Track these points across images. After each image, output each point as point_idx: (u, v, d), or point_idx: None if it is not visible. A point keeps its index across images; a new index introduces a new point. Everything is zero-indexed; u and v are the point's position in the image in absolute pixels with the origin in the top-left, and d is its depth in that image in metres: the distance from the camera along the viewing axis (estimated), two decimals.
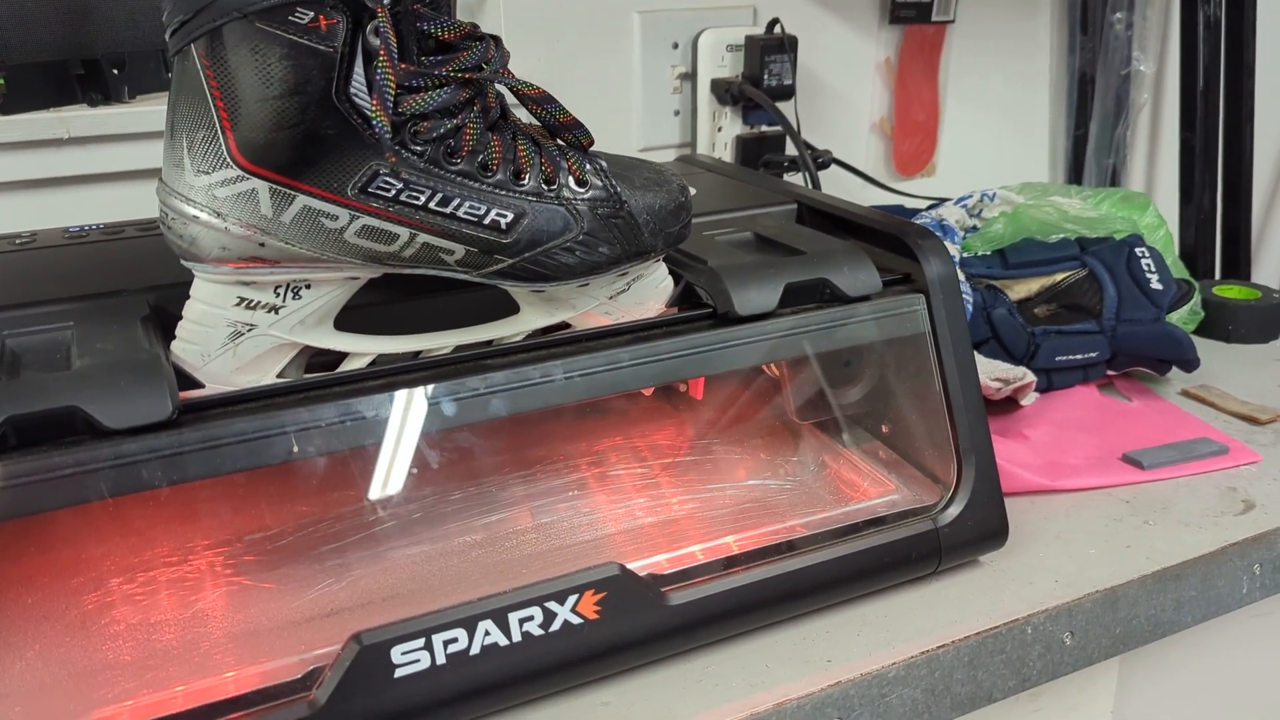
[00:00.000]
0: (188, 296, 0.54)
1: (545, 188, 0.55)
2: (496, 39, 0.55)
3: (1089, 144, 1.27)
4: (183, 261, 0.53)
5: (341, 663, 0.50)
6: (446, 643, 0.51)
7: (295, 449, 0.51)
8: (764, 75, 1.02)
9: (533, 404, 0.56)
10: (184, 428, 0.49)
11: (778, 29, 1.03)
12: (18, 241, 0.69)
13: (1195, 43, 1.16)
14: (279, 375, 0.56)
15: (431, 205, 0.52)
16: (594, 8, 1.01)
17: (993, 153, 1.28)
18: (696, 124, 1.07)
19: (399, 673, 0.50)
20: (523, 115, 0.58)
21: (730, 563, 0.60)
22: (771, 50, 1.01)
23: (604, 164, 0.57)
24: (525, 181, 0.55)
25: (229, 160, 0.49)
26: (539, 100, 0.56)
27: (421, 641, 0.51)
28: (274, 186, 0.50)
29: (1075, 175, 1.29)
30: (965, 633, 0.61)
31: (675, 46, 1.05)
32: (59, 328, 0.54)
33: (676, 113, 1.08)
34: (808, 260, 0.64)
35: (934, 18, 1.17)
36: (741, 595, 0.58)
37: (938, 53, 1.20)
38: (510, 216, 0.54)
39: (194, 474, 0.49)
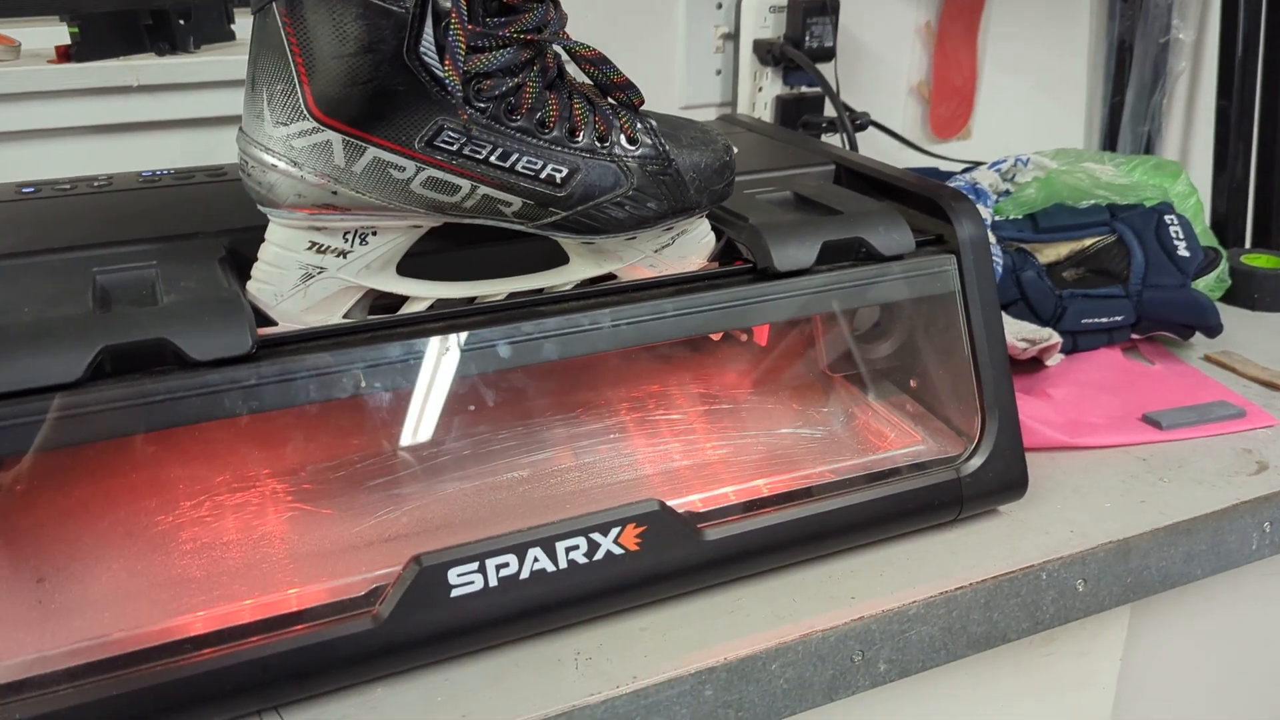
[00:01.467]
0: (260, 240, 0.58)
1: (598, 144, 0.58)
2: (555, 2, 0.58)
3: (1125, 111, 1.28)
4: (259, 207, 0.57)
5: (403, 581, 0.54)
6: (499, 567, 0.55)
7: (362, 384, 0.55)
8: (805, 37, 1.04)
9: (581, 349, 0.60)
10: (262, 361, 0.53)
11: None
12: (96, 184, 0.73)
13: (1236, 10, 1.17)
14: (345, 316, 0.60)
15: (492, 159, 0.56)
16: None
17: (1029, 118, 1.30)
18: (738, 84, 1.10)
19: (455, 593, 0.55)
20: (576, 74, 0.61)
21: (762, 503, 0.63)
22: (814, 12, 1.03)
23: (654, 123, 0.60)
24: (579, 138, 0.58)
25: (306, 113, 0.53)
26: (594, 61, 0.59)
27: (476, 565, 0.55)
28: (347, 138, 0.54)
29: (1110, 142, 1.30)
30: (982, 576, 0.64)
31: (719, 6, 1.07)
32: (144, 266, 0.58)
33: (718, 72, 1.10)
34: (844, 219, 0.67)
35: None
36: (772, 534, 0.62)
37: (978, 17, 1.21)
38: (565, 171, 0.57)
39: (270, 404, 0.53)
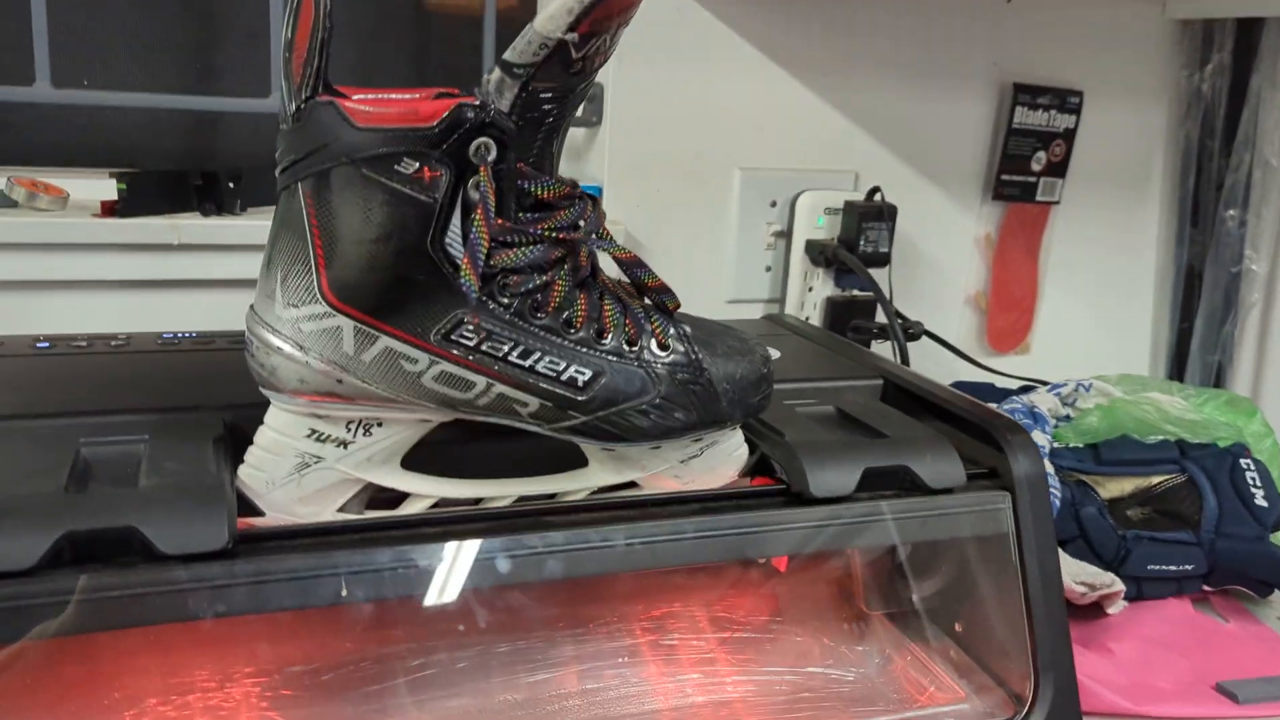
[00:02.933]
0: (262, 419, 0.54)
1: (626, 348, 0.54)
2: (595, 199, 0.55)
3: (1194, 339, 1.23)
4: (260, 389, 0.53)
5: None
6: None
7: (345, 592, 0.49)
8: (860, 241, 1.01)
9: (590, 568, 0.55)
10: (237, 559, 0.48)
11: (878, 197, 1.03)
12: (113, 343, 0.70)
13: None
14: (340, 509, 0.55)
15: (512, 357, 0.52)
16: (697, 160, 1.03)
17: (1091, 337, 1.25)
18: (788, 282, 1.07)
19: None
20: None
21: None
22: (870, 217, 1.01)
23: (688, 329, 0.56)
24: (607, 340, 0.54)
25: (319, 296, 0.50)
26: (630, 264, 0.55)
27: None
28: (359, 325, 0.50)
29: (1177, 370, 1.25)
30: None
31: (773, 205, 1.06)
32: (134, 440, 0.55)
33: (768, 269, 1.08)
34: (890, 444, 0.62)
35: (1038, 198, 1.16)
36: None
37: (1040, 232, 1.19)
38: (588, 374, 0.53)
39: (241, 608, 0.48)
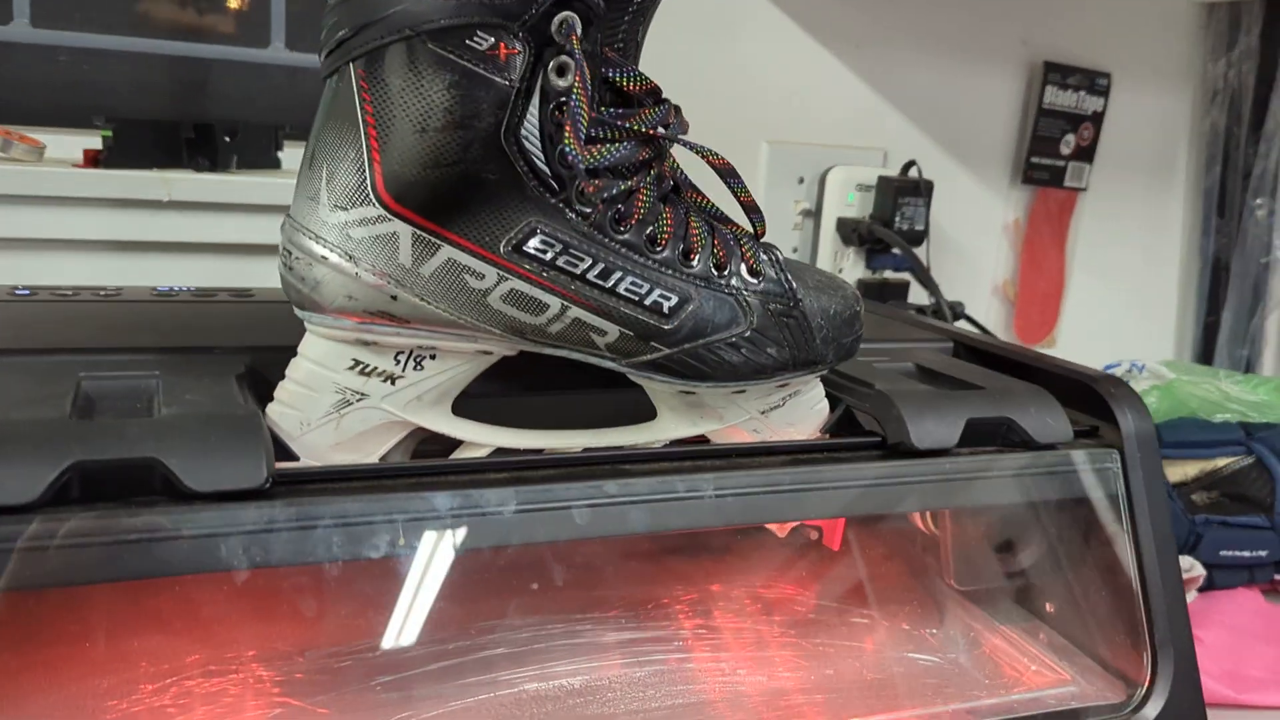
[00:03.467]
0: (289, 360, 0.47)
1: (715, 273, 0.48)
2: (678, 107, 0.49)
3: (1221, 332, 1.19)
4: (297, 311, 0.46)
5: None
6: None
7: (401, 542, 0.42)
8: (895, 217, 0.96)
9: (676, 521, 0.47)
10: (277, 500, 0.40)
11: (913, 171, 0.98)
12: (102, 293, 0.62)
13: None
14: (382, 459, 0.48)
15: (590, 276, 0.45)
16: (723, 131, 0.97)
17: (1117, 331, 1.21)
18: (816, 263, 1.01)
19: None
20: None
21: None
22: (906, 192, 0.96)
23: (780, 254, 0.50)
24: (694, 263, 0.47)
25: (372, 196, 0.43)
26: (726, 173, 0.49)
27: None
28: (418, 232, 0.43)
29: (1204, 363, 1.21)
30: None
31: (801, 181, 1.00)
32: (143, 375, 0.47)
33: (795, 250, 1.02)
34: (989, 396, 0.56)
35: (1066, 183, 1.12)
36: None
37: (1067, 220, 1.14)
38: (674, 300, 0.47)
39: (281, 557, 0.40)
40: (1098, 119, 1.12)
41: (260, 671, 0.52)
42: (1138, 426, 0.57)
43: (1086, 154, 1.12)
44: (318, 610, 0.54)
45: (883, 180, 0.98)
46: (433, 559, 0.45)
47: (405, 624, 0.53)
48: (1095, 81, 1.10)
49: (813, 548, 0.66)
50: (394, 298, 0.44)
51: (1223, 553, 0.78)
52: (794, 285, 0.49)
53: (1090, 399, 0.59)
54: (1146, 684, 0.54)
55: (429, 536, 0.43)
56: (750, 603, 0.63)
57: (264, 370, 0.49)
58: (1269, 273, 1.17)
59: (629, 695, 0.53)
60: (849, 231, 0.98)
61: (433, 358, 0.47)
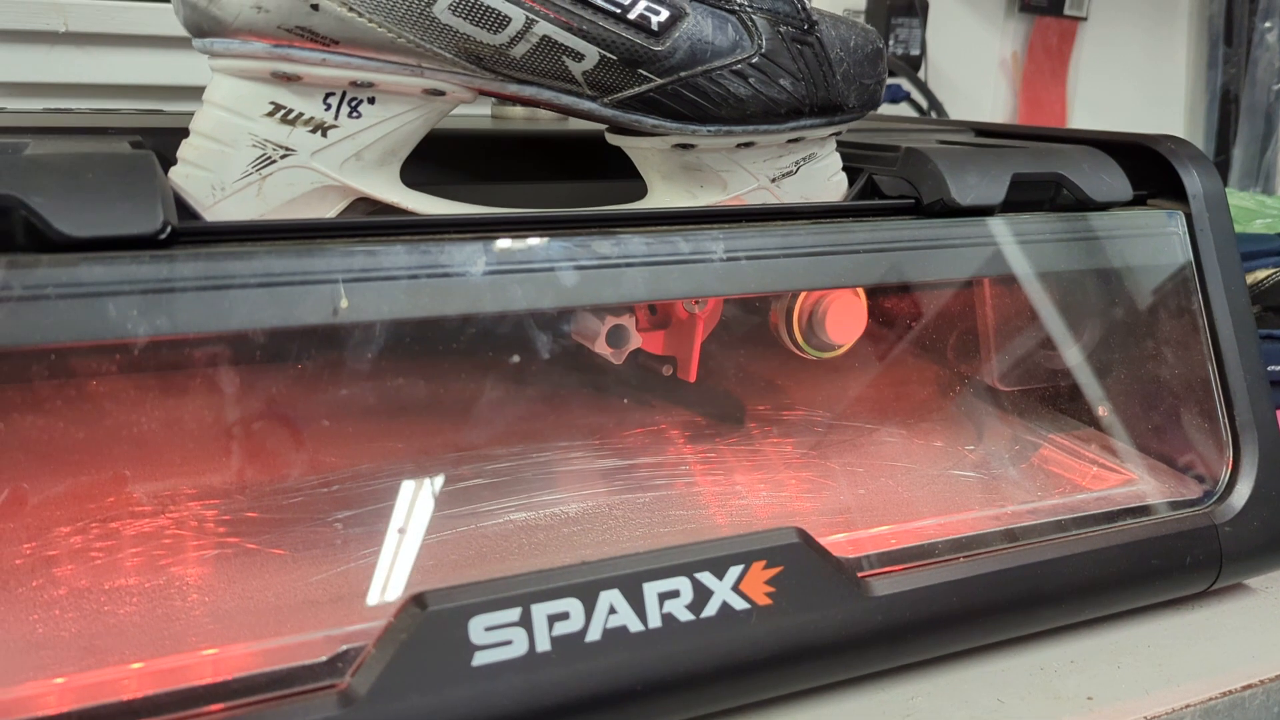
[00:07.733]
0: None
1: None
2: None
3: (1232, 169, 1.11)
4: (196, 43, 0.37)
5: (393, 636, 0.31)
6: (553, 619, 0.33)
7: (342, 304, 0.33)
8: (889, 40, 0.87)
9: (678, 287, 0.39)
10: (176, 250, 0.32)
11: None
12: None
13: None
14: None
15: None
16: None
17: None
18: None
19: (479, 658, 0.32)
20: None
21: (948, 547, 0.41)
22: (900, 11, 0.87)
23: None
24: None
25: None
26: None
27: (517, 612, 0.33)
28: None
29: None
30: (1272, 672, 0.42)
31: None
32: (13, 141, 0.38)
33: None
34: (1036, 152, 0.48)
35: (1065, 11, 1.04)
36: (968, 592, 0.40)
37: (1067, 52, 1.06)
38: (665, 14, 0.38)
39: (182, 324, 0.32)
40: None
41: (199, 509, 0.43)
42: (1205, 186, 0.49)
43: None
44: (267, 436, 0.45)
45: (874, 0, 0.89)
46: (384, 333, 0.37)
47: (378, 441, 0.45)
48: None
49: (824, 364, 0.58)
50: (315, 7, 0.35)
51: (1272, 367, 0.71)
52: (806, 7, 0.41)
53: (1147, 163, 0.51)
54: (1229, 468, 0.47)
55: (375, 299, 0.34)
56: (759, 426, 0.55)
57: (166, 152, 0.40)
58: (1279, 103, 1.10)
59: (630, 522, 0.45)
60: None
61: (371, 101, 0.38)
